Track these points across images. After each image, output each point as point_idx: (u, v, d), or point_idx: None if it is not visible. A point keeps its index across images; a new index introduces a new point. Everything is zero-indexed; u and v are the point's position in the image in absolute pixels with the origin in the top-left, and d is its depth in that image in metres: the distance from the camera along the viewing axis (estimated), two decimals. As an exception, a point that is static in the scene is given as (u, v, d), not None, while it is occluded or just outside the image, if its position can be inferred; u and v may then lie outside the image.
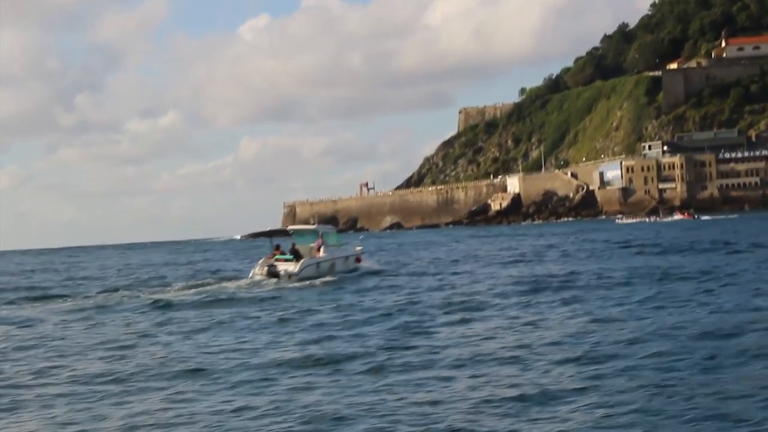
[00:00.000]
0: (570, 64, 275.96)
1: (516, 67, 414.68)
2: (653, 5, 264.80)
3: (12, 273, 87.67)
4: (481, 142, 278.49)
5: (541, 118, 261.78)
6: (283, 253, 46.36)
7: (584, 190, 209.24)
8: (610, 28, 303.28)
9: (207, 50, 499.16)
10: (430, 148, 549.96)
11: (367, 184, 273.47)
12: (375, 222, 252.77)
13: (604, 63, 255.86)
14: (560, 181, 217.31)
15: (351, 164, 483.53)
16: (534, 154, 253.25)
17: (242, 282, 44.71)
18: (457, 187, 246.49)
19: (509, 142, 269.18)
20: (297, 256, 45.98)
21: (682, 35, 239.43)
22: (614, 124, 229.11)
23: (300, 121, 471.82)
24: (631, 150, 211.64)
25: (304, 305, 33.46)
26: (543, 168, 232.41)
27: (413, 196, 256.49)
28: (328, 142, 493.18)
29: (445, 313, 29.21)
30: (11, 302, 42.77)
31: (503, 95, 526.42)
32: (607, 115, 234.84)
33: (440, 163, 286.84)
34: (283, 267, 44.85)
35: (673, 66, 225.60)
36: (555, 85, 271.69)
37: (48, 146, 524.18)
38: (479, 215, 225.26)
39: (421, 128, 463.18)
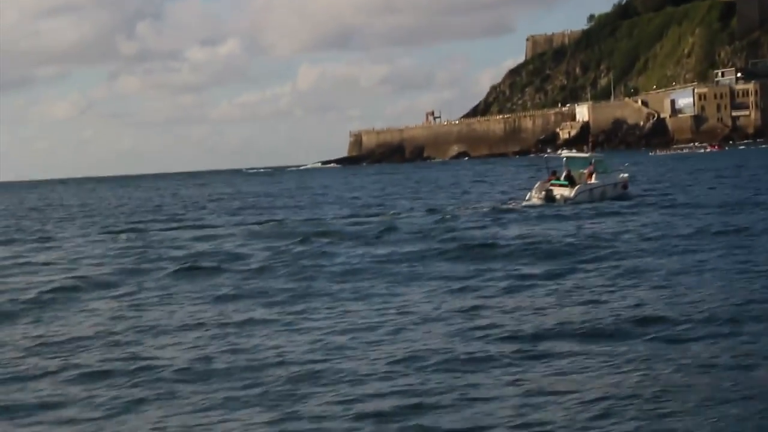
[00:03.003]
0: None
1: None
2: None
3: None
4: (549, 70, 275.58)
5: (611, 45, 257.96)
6: (558, 179, 48.23)
7: (655, 119, 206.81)
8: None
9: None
10: (488, 75, 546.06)
11: (432, 113, 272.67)
12: (441, 151, 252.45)
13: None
14: (630, 110, 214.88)
15: (409, 92, 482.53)
16: (603, 82, 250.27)
17: (520, 204, 47.00)
18: (525, 116, 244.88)
19: (577, 70, 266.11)
20: (571, 181, 47.85)
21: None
22: (686, 51, 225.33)
23: (358, 49, 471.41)
24: (703, 77, 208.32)
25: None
26: (612, 96, 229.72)
27: (480, 125, 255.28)
28: (387, 70, 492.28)
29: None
30: None
31: (566, 22, 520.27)
32: (678, 41, 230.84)
33: (507, 92, 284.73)
34: (558, 192, 46.94)
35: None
36: (624, 11, 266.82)
37: (109, 74, 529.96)
38: (547, 144, 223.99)
39: (480, 56, 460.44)
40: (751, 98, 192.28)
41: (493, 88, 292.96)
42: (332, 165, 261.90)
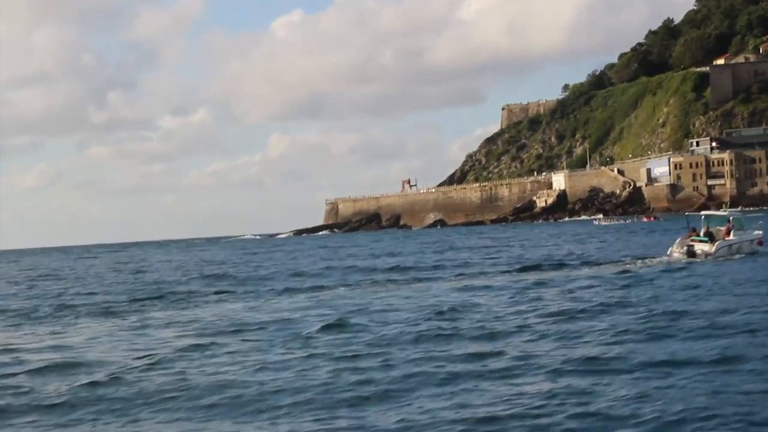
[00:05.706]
0: (607, 59, 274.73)
1: (549, 63, 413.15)
2: (699, 0, 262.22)
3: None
4: (525, 138, 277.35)
5: (586, 115, 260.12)
6: (698, 235, 51.49)
7: (631, 187, 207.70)
8: (646, 23, 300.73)
9: (240, 47, 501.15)
10: (458, 144, 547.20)
11: (409, 181, 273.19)
12: (418, 219, 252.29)
13: (650, 59, 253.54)
14: (606, 178, 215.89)
15: (379, 161, 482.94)
16: (578, 150, 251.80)
17: (662, 259, 50.30)
18: (501, 184, 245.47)
19: (553, 139, 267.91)
20: (711, 238, 50.90)
21: (729, 30, 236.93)
22: (660, 121, 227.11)
23: (330, 117, 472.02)
24: (677, 147, 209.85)
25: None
26: (588, 165, 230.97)
27: (456, 193, 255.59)
28: (357, 138, 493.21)
29: None
30: None
31: (538, 91, 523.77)
32: (653, 111, 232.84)
33: (483, 160, 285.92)
34: (699, 247, 50.12)
35: (720, 62, 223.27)
36: (599, 82, 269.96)
37: (79, 144, 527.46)
38: (524, 212, 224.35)
39: (451, 125, 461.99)
40: (727, 167, 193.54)
41: (470, 157, 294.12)
42: (325, 232, 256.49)
